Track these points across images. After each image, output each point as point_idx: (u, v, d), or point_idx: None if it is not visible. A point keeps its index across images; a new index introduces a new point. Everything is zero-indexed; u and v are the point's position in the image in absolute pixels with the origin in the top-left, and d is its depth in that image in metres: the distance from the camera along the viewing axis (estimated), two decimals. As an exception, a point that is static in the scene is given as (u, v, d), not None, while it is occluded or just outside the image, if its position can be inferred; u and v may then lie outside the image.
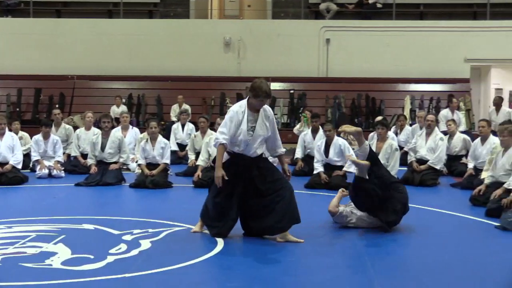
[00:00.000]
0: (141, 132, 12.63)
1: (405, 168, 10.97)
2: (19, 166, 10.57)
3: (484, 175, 8.97)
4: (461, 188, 9.90)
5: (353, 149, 10.78)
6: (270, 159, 6.92)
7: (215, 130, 10.25)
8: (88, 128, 12.22)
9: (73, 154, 12.05)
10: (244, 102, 6.33)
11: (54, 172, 11.14)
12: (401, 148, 11.62)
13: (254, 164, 6.31)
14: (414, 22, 19.04)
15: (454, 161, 11.61)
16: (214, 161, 6.41)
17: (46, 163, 11.22)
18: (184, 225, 6.84)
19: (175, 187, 10.18)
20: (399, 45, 18.44)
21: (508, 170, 8.07)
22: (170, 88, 18.21)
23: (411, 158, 11.03)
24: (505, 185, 7.78)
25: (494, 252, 6.06)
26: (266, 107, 6.38)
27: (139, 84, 18.56)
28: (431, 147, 10.81)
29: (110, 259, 5.52)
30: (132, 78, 18.63)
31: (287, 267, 5.55)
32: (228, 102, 16.85)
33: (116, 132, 11.48)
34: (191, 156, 11.57)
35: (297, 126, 14.33)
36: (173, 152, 12.24)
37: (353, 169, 9.69)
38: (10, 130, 11.27)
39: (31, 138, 11.80)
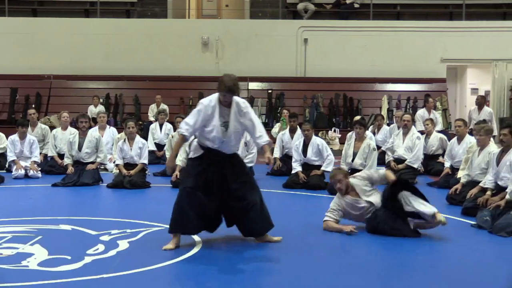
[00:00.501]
0: (119, 132, 12.56)
1: (383, 168, 11.00)
2: (-5, 167, 10.47)
3: (460, 174, 9.04)
4: (438, 187, 9.98)
5: (331, 148, 10.84)
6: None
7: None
8: (64, 128, 12.10)
9: (50, 154, 11.94)
10: (214, 97, 6.01)
11: (31, 173, 11.02)
12: (378, 147, 11.67)
13: (227, 160, 6.08)
14: (391, 22, 19.19)
15: (431, 160, 11.67)
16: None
17: (23, 163, 11.09)
18: (162, 225, 6.79)
19: (153, 187, 10.13)
20: (376, 45, 18.57)
21: (484, 169, 8.16)
22: (148, 87, 18.15)
23: (388, 157, 11.15)
24: (480, 184, 7.86)
25: (470, 250, 6.13)
26: (240, 101, 6.05)
27: (117, 83, 18.50)
28: (408, 146, 10.90)
29: (87, 259, 5.49)
30: (109, 78, 18.56)
31: (266, 267, 5.55)
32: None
33: (94, 132, 11.40)
34: (169, 156, 11.49)
35: (275, 129, 14.08)
36: (151, 152, 12.18)
37: (330, 168, 9.76)
38: (-15, 130, 11.15)
39: (7, 138, 11.67)
